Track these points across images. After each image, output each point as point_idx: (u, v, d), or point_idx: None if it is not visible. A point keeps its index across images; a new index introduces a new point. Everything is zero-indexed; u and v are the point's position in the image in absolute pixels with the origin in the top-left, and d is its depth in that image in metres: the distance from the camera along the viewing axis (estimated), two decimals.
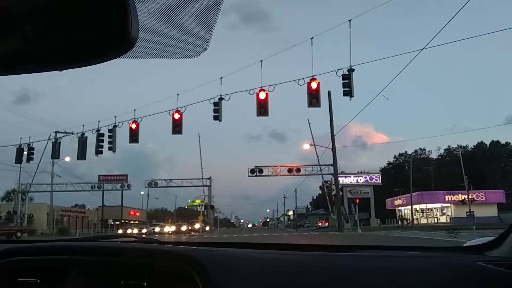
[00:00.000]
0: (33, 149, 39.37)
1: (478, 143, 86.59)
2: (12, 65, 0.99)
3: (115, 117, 30.74)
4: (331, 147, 43.43)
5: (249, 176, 53.02)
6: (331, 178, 48.95)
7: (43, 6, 0.94)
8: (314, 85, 23.35)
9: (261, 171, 52.93)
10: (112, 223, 72.11)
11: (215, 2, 1.03)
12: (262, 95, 24.27)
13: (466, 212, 45.58)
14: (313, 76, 23.45)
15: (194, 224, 60.86)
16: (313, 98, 23.55)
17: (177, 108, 27.33)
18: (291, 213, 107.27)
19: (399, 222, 64.09)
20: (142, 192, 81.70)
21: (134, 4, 0.90)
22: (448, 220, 61.28)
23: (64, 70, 1.00)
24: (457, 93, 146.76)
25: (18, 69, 1.00)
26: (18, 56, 0.97)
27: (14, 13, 0.94)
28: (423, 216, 71.51)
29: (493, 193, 61.61)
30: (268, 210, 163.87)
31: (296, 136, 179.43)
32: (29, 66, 0.99)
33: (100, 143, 31.75)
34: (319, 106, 24.04)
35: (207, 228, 62.69)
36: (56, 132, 42.95)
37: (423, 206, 69.98)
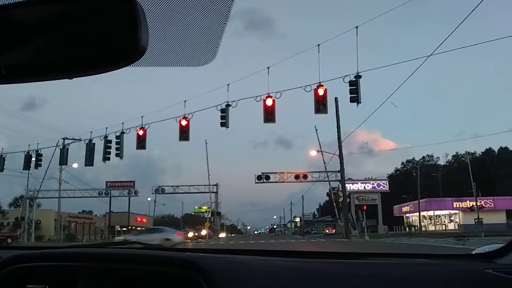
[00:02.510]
0: (41, 155, 39.59)
1: (486, 149, 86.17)
2: (24, 73, 1.00)
3: (123, 123, 30.89)
4: (338, 154, 43.33)
5: (256, 182, 52.93)
6: (338, 185, 48.79)
7: (53, 16, 0.95)
8: (321, 91, 23.33)
9: (268, 177, 52.81)
10: (119, 229, 72.16)
11: (223, 11, 1.04)
12: (269, 102, 24.27)
13: (475, 219, 45.28)
14: (320, 82, 23.44)
15: (201, 231, 60.73)
16: (320, 105, 23.52)
17: (184, 114, 27.39)
18: (298, 219, 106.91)
19: (407, 229, 63.68)
20: (149, 199, 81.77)
21: (144, 13, 0.91)
22: (456, 227, 60.80)
23: (74, 78, 1.02)
24: (464, 99, 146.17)
25: (29, 77, 1.01)
26: (29, 65, 0.98)
27: (26, 24, 0.95)
28: (431, 223, 71.00)
29: (502, 200, 61.05)
30: (275, 217, 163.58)
31: (303, 142, 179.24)
32: (41, 74, 1.00)
33: (108, 150, 31.83)
34: (326, 113, 24.01)
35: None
36: (64, 139, 43.03)
37: (431, 213, 69.49)
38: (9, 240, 41.52)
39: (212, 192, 67.21)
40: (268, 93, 24.44)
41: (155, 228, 38.68)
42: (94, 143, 33.47)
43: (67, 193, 57.63)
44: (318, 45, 24.72)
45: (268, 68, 25.13)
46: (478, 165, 67.55)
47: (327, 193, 74.02)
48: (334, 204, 50.83)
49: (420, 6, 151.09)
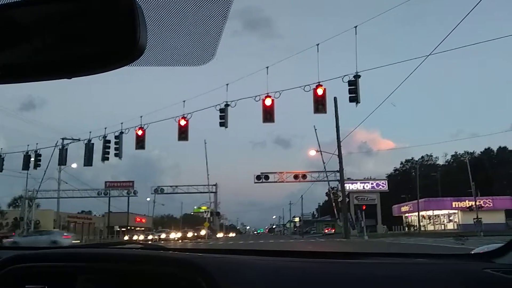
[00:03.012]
0: (40, 155, 39.48)
1: (485, 149, 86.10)
2: (22, 73, 1.00)
3: (122, 123, 30.80)
4: (337, 154, 43.33)
5: (255, 182, 52.93)
6: (338, 185, 48.83)
7: (52, 16, 0.95)
8: (320, 91, 23.32)
9: (267, 177, 52.81)
10: (118, 229, 72.16)
11: (222, 11, 1.04)
12: (268, 102, 24.26)
13: (474, 218, 45.24)
14: (319, 82, 23.44)
15: (200, 231, 60.73)
16: (319, 104, 23.51)
17: (183, 114, 27.37)
18: (297, 219, 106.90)
19: (406, 228, 63.75)
20: (148, 199, 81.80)
21: (143, 12, 0.91)
22: (455, 227, 60.84)
23: (72, 78, 1.02)
24: (463, 99, 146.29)
25: (28, 77, 1.01)
26: (28, 65, 0.98)
27: (24, 23, 0.95)
28: (430, 222, 71.01)
29: (500, 200, 61.09)
30: (274, 217, 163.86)
31: (302, 142, 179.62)
32: (39, 74, 1.00)
33: (107, 150, 31.79)
34: (325, 112, 24.00)
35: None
36: (63, 139, 43.03)
37: (430, 212, 69.51)
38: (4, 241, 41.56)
39: (211, 192, 67.38)
40: (267, 93, 24.44)
41: (43, 230, 40.68)
42: (93, 143, 33.45)
43: (66, 193, 57.67)
44: (317, 44, 24.73)
45: (267, 68, 25.15)
46: (477, 165, 67.52)
47: (326, 193, 73.83)
48: (333, 204, 50.86)
49: (419, 5, 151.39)
